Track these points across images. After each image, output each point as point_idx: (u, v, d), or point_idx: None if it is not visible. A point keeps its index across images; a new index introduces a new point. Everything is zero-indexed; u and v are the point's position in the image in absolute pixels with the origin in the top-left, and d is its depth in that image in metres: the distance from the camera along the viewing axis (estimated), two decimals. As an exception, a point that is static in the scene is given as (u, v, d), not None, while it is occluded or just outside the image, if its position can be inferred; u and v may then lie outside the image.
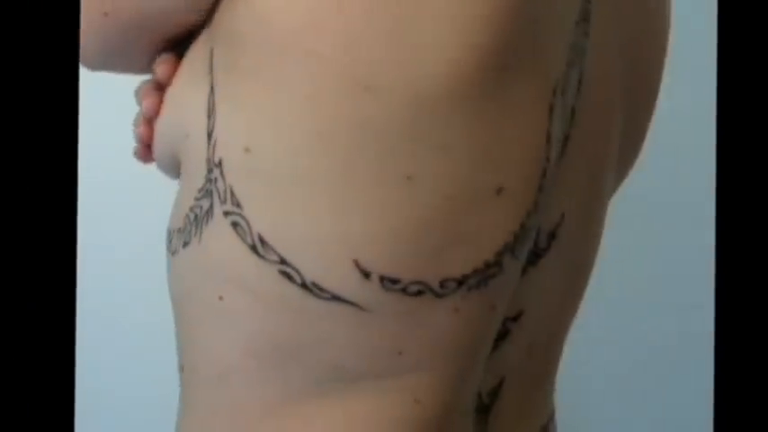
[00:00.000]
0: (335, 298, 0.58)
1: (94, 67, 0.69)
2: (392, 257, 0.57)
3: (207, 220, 0.60)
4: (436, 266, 0.58)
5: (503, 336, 0.65)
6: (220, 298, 0.61)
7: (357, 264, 0.57)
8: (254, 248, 0.58)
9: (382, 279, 0.57)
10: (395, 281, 0.58)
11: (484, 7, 0.56)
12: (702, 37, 1.44)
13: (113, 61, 0.69)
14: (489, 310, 0.61)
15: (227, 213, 0.59)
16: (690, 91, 1.36)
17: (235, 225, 0.59)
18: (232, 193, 0.59)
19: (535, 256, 0.65)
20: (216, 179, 0.59)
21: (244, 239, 0.59)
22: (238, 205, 0.59)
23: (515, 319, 0.66)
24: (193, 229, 0.62)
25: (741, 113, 0.79)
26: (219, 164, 0.59)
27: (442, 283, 0.59)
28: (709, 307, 1.37)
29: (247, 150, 0.58)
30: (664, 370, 1.57)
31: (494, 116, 0.58)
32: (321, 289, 0.58)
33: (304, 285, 0.58)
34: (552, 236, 0.65)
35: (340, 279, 0.57)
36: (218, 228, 0.59)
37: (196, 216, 0.62)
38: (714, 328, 1.22)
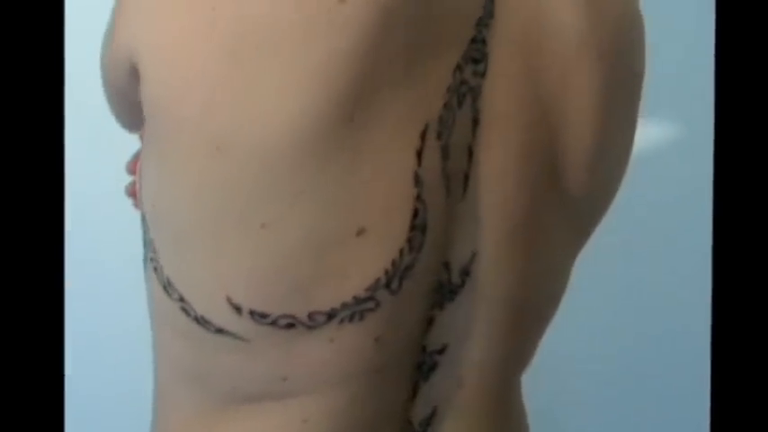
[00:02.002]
0: (219, 330, 0.65)
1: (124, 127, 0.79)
2: (258, 294, 0.63)
3: (146, 264, 0.69)
4: (303, 301, 0.63)
5: (431, 368, 0.71)
6: (158, 327, 0.70)
7: (229, 300, 0.64)
8: (165, 288, 0.66)
9: (252, 313, 0.64)
10: (264, 315, 0.64)
11: (321, 69, 0.60)
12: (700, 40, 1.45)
13: (124, 123, 0.79)
14: (372, 342, 0.66)
15: (151, 259, 0.68)
16: (688, 93, 1.35)
17: (155, 269, 0.67)
18: (152, 242, 0.67)
19: (451, 293, 0.70)
20: (146, 230, 0.68)
21: (161, 281, 0.67)
22: (155, 252, 0.67)
23: (441, 351, 0.71)
24: (144, 269, 0.70)
25: (738, 114, 0.79)
26: (143, 217, 0.68)
27: (311, 316, 0.64)
28: (705, 308, 1.37)
29: (153, 206, 0.67)
30: (659, 370, 1.57)
31: (345, 164, 0.62)
32: (208, 322, 0.65)
33: (196, 319, 0.65)
34: (466, 272, 0.69)
35: (219, 314, 0.64)
36: (149, 271, 0.68)
37: (144, 258, 0.70)
38: (711, 330, 1.22)
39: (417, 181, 0.65)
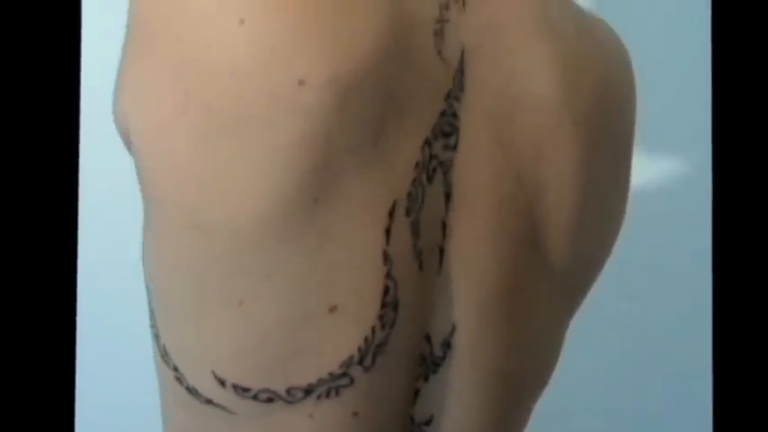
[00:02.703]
0: (208, 401, 0.65)
1: None
2: (239, 368, 0.64)
3: (150, 331, 0.70)
4: (281, 376, 0.63)
5: None
6: (162, 392, 0.70)
7: (214, 373, 0.64)
8: (163, 356, 0.67)
9: (235, 387, 0.64)
10: (245, 389, 0.64)
11: (284, 153, 0.59)
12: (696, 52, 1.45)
13: None
14: (351, 417, 0.65)
15: (152, 326, 0.68)
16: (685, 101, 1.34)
17: (155, 336, 0.68)
18: (153, 312, 0.68)
19: (434, 365, 0.69)
20: (150, 300, 0.68)
21: (159, 349, 0.67)
22: (154, 319, 0.68)
23: (428, 423, 0.70)
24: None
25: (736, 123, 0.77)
26: (147, 288, 0.68)
27: (289, 392, 0.64)
28: (706, 343, 1.35)
29: (149, 276, 0.67)
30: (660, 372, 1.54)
31: (313, 244, 0.61)
32: (198, 393, 0.65)
33: (188, 389, 0.65)
34: (447, 345, 0.68)
35: (206, 386, 0.64)
36: (152, 337, 0.69)
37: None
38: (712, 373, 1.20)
39: (386, 259, 0.63)
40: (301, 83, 0.59)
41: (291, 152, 0.59)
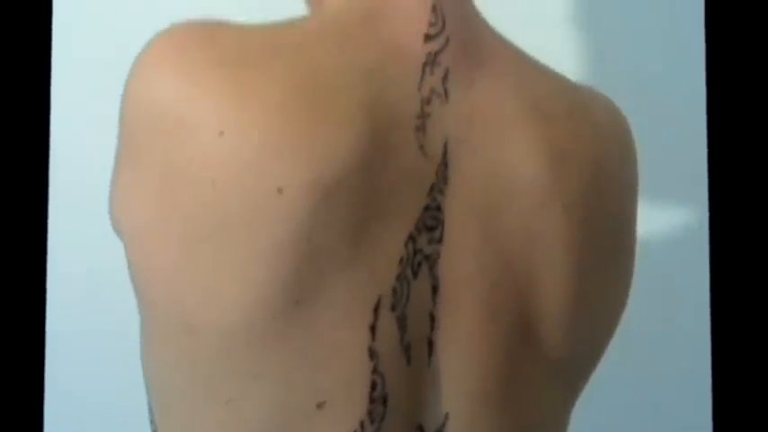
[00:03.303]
0: None
1: None
2: None
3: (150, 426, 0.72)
4: None
5: None
6: None
7: None
8: None
9: None
10: None
11: (266, 257, 0.62)
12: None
13: None
14: None
15: (150, 422, 0.71)
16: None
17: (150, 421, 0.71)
18: (151, 409, 0.70)
19: None
20: (149, 398, 0.70)
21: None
22: (152, 414, 0.70)
23: None
24: None
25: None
26: (145, 385, 0.71)
27: None
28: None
29: (147, 377, 0.69)
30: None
31: (298, 343, 0.63)
32: None
33: None
34: None
35: None
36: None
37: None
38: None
39: (373, 354, 0.64)
40: (280, 190, 0.61)
41: (272, 257, 0.61)
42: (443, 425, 0.69)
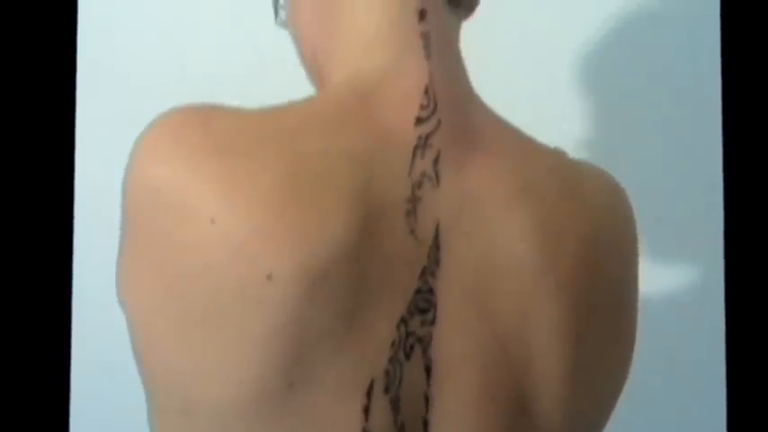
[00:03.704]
0: None
1: None
2: None
3: None
4: None
5: None
6: None
7: None
8: None
9: None
10: None
11: (257, 342, 0.63)
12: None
13: None
14: None
15: None
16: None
17: None
18: None
19: None
20: None
21: None
22: None
23: None
24: None
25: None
26: None
27: None
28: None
29: None
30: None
31: (291, 425, 0.64)
32: None
33: None
34: None
35: None
36: None
37: None
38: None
39: None
40: (269, 277, 0.62)
41: (264, 342, 0.62)
42: None
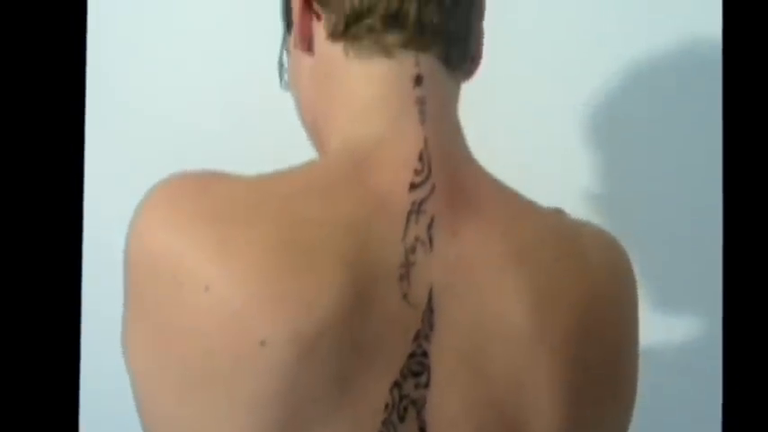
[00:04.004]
0: None
1: None
2: None
3: None
4: None
5: None
6: None
7: None
8: None
9: None
10: None
11: (251, 405, 0.65)
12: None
13: None
14: None
15: None
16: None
17: None
18: None
19: None
20: None
21: None
22: None
23: None
24: None
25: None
26: None
27: None
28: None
29: None
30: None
31: None
32: None
33: None
34: None
35: None
36: None
37: None
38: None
39: None
40: (263, 343, 0.63)
41: (257, 405, 0.64)
42: None
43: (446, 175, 0.72)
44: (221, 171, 0.71)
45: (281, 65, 0.85)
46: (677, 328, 1.40)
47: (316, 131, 0.80)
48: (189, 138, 1.32)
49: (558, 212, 0.82)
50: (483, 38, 0.82)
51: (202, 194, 0.67)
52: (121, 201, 1.30)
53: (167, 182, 0.69)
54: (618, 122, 1.34)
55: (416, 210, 0.70)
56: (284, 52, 0.85)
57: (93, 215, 1.35)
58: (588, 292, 0.75)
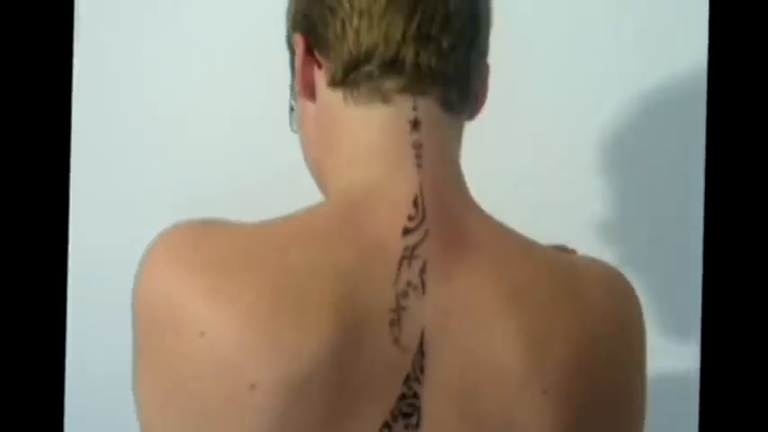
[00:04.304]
0: None
1: None
2: None
3: None
4: None
5: None
6: None
7: None
8: None
9: None
10: None
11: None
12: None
13: None
14: None
15: None
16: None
17: None
18: None
19: None
20: None
21: None
22: None
23: None
24: None
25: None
26: None
27: None
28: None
29: None
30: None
31: None
32: None
33: None
34: None
35: None
36: None
37: None
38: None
39: None
40: (252, 386, 0.66)
41: None
42: None
43: (441, 219, 0.73)
44: (223, 219, 0.74)
45: (291, 108, 0.86)
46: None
47: (318, 176, 0.82)
48: (176, 138, 1.34)
49: (559, 249, 0.83)
50: (488, 74, 0.83)
51: (201, 244, 0.71)
52: (107, 202, 1.31)
53: (170, 231, 0.73)
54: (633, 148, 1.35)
55: (409, 255, 0.71)
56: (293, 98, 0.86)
57: (79, 214, 1.36)
58: (585, 334, 0.75)
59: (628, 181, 1.36)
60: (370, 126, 0.75)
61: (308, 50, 0.79)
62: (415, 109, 0.75)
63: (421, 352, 0.70)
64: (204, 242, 0.70)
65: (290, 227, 0.73)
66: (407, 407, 0.70)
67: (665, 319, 1.34)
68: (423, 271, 0.71)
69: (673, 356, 1.39)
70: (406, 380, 0.69)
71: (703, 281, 1.31)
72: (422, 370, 0.70)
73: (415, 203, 0.72)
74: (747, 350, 1.18)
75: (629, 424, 0.79)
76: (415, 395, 0.70)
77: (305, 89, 0.79)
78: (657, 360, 1.24)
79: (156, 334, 0.70)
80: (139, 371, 0.73)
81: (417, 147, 0.74)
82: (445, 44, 0.75)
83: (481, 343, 0.71)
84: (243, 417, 0.66)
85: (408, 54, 0.74)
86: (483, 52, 0.81)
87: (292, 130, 0.86)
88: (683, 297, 1.36)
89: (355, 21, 0.75)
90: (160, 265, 0.71)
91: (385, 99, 0.75)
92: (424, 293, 0.71)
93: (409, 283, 0.70)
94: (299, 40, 0.79)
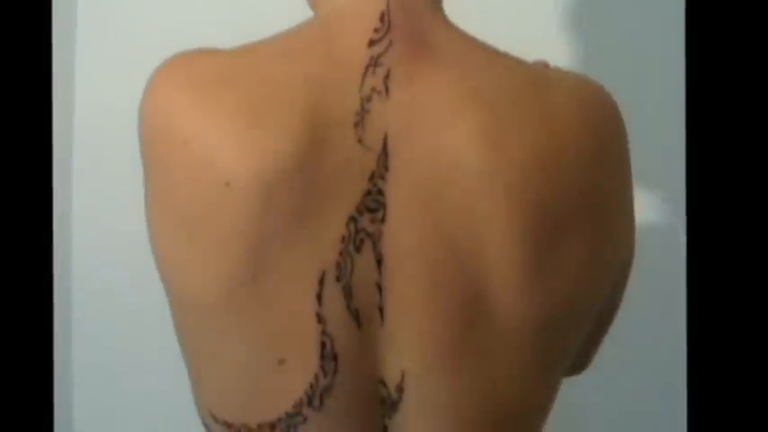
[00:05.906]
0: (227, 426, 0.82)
1: None
2: (223, 408, 0.81)
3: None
4: (251, 414, 0.79)
5: None
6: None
7: (210, 413, 0.82)
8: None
9: (224, 423, 0.81)
10: (229, 424, 0.81)
11: (222, 242, 0.75)
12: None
13: None
14: None
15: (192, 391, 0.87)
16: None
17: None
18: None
19: (392, 405, 0.79)
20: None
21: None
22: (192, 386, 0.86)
23: None
24: None
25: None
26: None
27: (260, 426, 0.79)
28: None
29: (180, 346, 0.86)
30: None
31: (257, 310, 0.76)
32: (208, 426, 0.84)
33: (205, 425, 0.85)
34: (400, 389, 0.78)
35: (209, 422, 0.83)
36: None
37: None
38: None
39: (320, 319, 0.75)
40: (227, 184, 0.74)
41: (228, 242, 0.74)
42: (401, 380, 0.78)
43: (407, 29, 0.78)
44: (213, 47, 0.81)
45: None
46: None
47: (312, 3, 0.87)
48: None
49: (538, 64, 0.85)
50: None
51: (192, 66, 0.78)
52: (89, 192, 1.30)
53: (169, 59, 0.80)
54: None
55: (374, 63, 0.76)
56: None
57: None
58: (551, 139, 0.77)
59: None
60: None
61: None
62: None
63: (385, 151, 0.75)
64: (195, 64, 0.78)
65: (270, 45, 0.79)
66: (373, 202, 0.75)
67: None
68: (387, 77, 0.76)
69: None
70: (371, 177, 0.75)
71: (687, 271, 1.28)
72: (386, 168, 0.75)
73: (382, 18, 0.77)
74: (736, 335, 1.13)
75: (612, 242, 0.81)
76: (380, 192, 0.75)
77: None
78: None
79: (153, 147, 0.78)
80: (146, 188, 0.81)
81: None
82: None
83: (442, 141, 0.76)
84: (221, 214, 0.74)
85: None
86: None
87: None
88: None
89: None
90: (158, 86, 0.79)
91: None
92: (387, 96, 0.76)
93: (373, 89, 0.76)
94: None
